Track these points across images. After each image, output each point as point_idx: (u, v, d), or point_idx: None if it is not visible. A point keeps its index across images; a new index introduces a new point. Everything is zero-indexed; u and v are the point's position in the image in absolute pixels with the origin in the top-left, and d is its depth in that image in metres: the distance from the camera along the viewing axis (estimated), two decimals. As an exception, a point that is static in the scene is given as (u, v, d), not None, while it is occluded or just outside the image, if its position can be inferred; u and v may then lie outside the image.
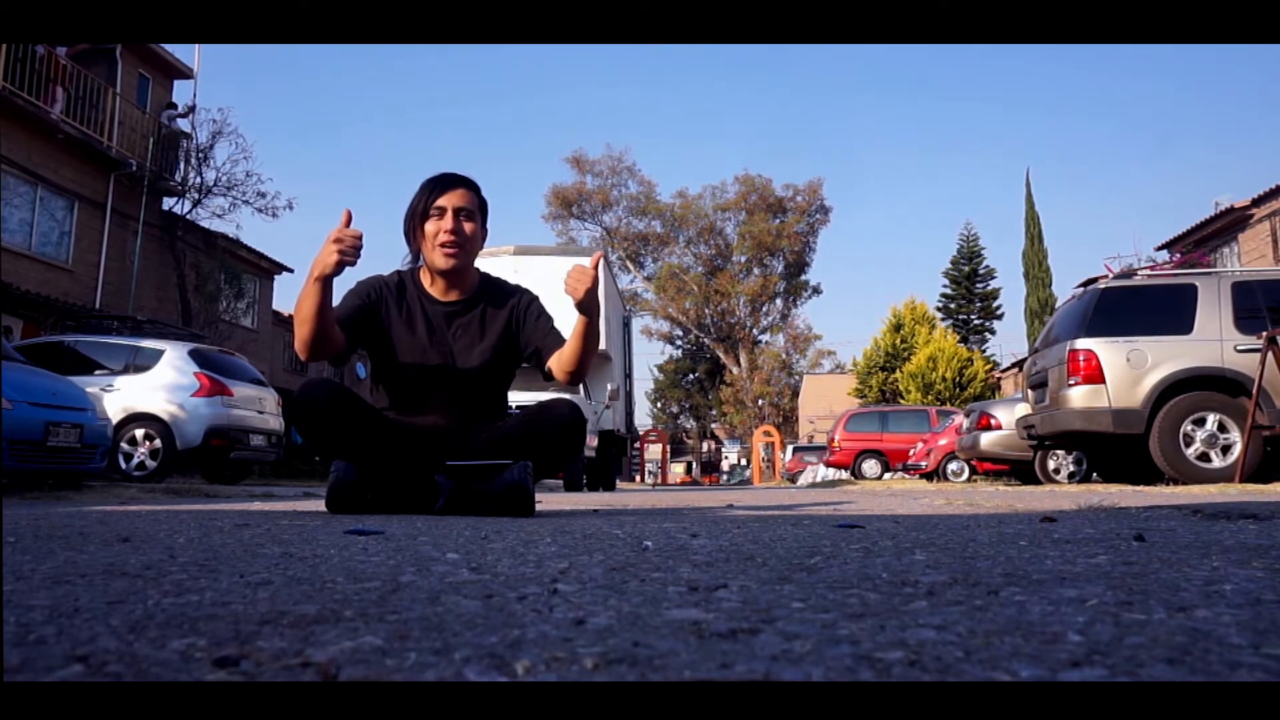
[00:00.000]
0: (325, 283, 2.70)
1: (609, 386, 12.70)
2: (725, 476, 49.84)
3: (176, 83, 18.34)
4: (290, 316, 24.22)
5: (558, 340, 3.06)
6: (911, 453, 16.92)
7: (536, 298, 3.21)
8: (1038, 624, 0.80)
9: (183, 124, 17.27)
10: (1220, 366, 7.28)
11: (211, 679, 0.61)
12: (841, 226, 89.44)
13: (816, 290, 49.11)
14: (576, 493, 9.52)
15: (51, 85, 14.39)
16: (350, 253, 2.66)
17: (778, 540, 1.76)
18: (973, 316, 37.11)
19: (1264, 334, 6.80)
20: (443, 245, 2.95)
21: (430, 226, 2.97)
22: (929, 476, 15.45)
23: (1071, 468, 10.34)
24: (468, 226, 2.99)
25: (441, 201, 2.95)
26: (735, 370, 47.76)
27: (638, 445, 32.16)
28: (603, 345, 12.68)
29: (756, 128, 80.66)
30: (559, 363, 2.99)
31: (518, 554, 1.47)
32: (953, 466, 14.97)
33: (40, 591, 1.01)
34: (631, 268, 48.56)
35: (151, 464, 9.43)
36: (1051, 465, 10.43)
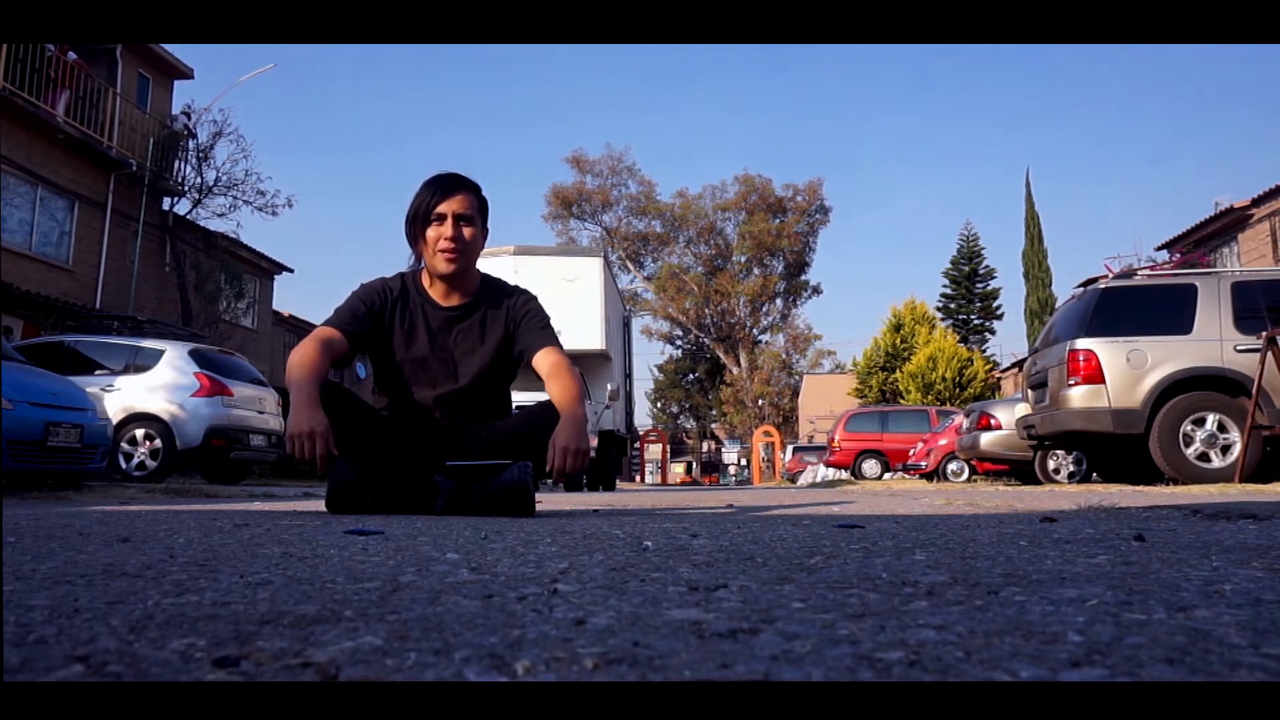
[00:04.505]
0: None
1: (609, 386, 12.70)
2: (731, 479, 49.66)
3: (177, 83, 18.34)
4: (290, 316, 24.20)
5: (544, 340, 3.06)
6: (911, 453, 16.92)
7: (534, 298, 3.20)
8: (1038, 624, 0.80)
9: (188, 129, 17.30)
10: (1220, 366, 7.28)
11: (211, 679, 0.61)
12: (841, 226, 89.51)
13: (816, 290, 49.14)
14: (576, 493, 9.52)
15: (55, 86, 14.39)
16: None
17: (778, 540, 1.76)
18: (973, 316, 37.10)
19: (1264, 334, 6.80)
20: (442, 252, 2.96)
21: (431, 232, 2.97)
22: (929, 476, 15.45)
23: (1071, 468, 10.34)
24: (467, 232, 2.99)
25: (441, 208, 2.96)
26: (735, 370, 47.76)
27: (638, 445, 32.15)
28: (603, 345, 12.76)
29: (756, 128, 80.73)
30: (543, 378, 3.00)
31: (518, 554, 1.47)
32: (953, 466, 14.96)
33: (40, 591, 1.01)
34: (631, 268, 48.56)
35: (151, 464, 9.43)
36: (1051, 465, 10.43)
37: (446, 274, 3.00)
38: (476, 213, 3.03)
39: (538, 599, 0.96)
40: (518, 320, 3.11)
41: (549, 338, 3.07)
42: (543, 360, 3.01)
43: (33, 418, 6.08)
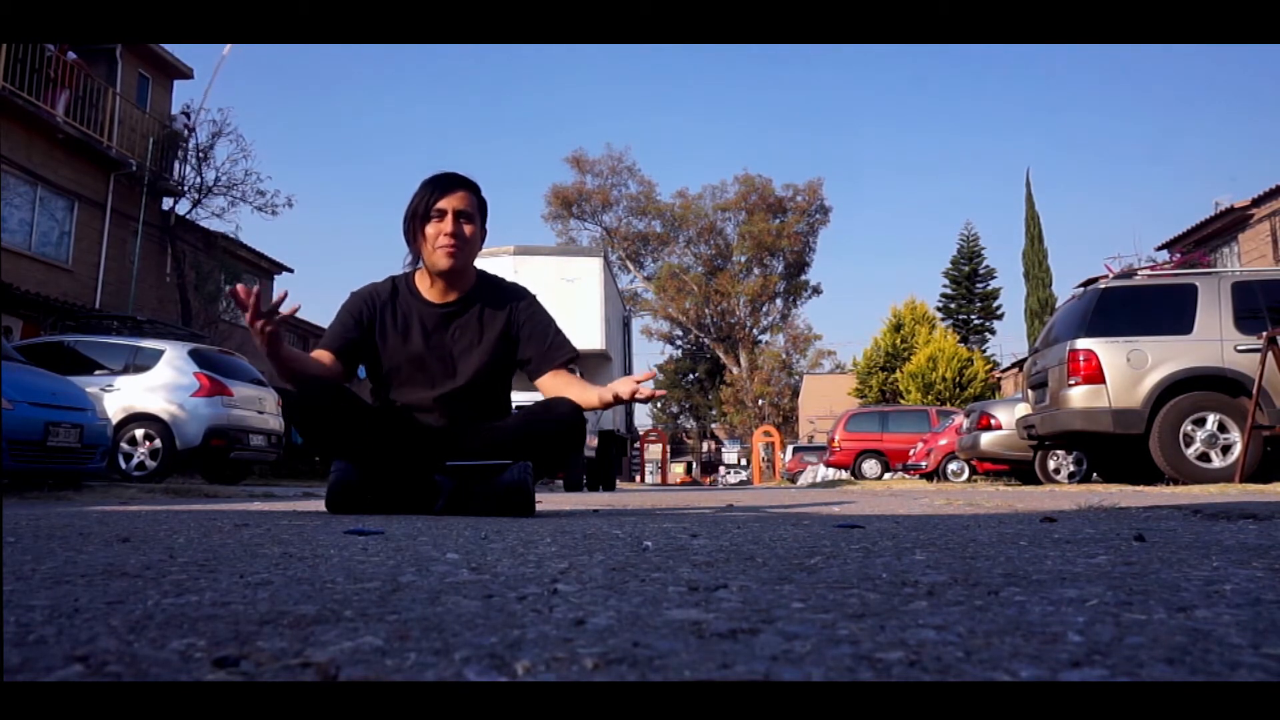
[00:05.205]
0: (273, 354, 2.73)
1: (609, 386, 12.68)
2: (725, 479, 49.33)
3: (177, 83, 18.34)
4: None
5: (556, 354, 3.07)
6: (911, 453, 16.92)
7: (535, 300, 3.19)
8: (1038, 624, 0.80)
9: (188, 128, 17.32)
10: (1220, 366, 7.28)
11: (211, 679, 0.61)
12: (841, 226, 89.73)
13: (816, 290, 49.17)
14: (576, 493, 9.52)
15: (55, 86, 14.39)
16: (271, 334, 2.64)
17: (778, 540, 1.76)
18: (973, 316, 37.10)
19: (1264, 334, 6.80)
20: (442, 248, 2.96)
21: (430, 229, 2.97)
22: (929, 476, 15.45)
23: (1071, 468, 10.34)
24: (467, 229, 2.99)
25: (441, 204, 2.95)
26: (735, 370, 47.77)
27: (638, 445, 32.12)
28: (603, 345, 12.76)
29: (756, 128, 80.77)
30: (552, 392, 3.03)
31: (518, 554, 1.47)
32: (953, 466, 14.96)
33: (40, 591, 1.01)
34: (631, 268, 48.57)
35: (151, 464, 9.43)
36: (1051, 465, 10.43)
37: (445, 270, 2.99)
38: (476, 210, 3.03)
39: (538, 599, 0.96)
40: (520, 323, 3.09)
41: (561, 352, 3.08)
42: (552, 382, 3.05)
43: (33, 418, 6.09)
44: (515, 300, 3.14)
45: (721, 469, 52.46)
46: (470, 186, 3.02)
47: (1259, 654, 0.67)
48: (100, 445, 6.80)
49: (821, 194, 47.78)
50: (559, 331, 3.14)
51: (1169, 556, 1.38)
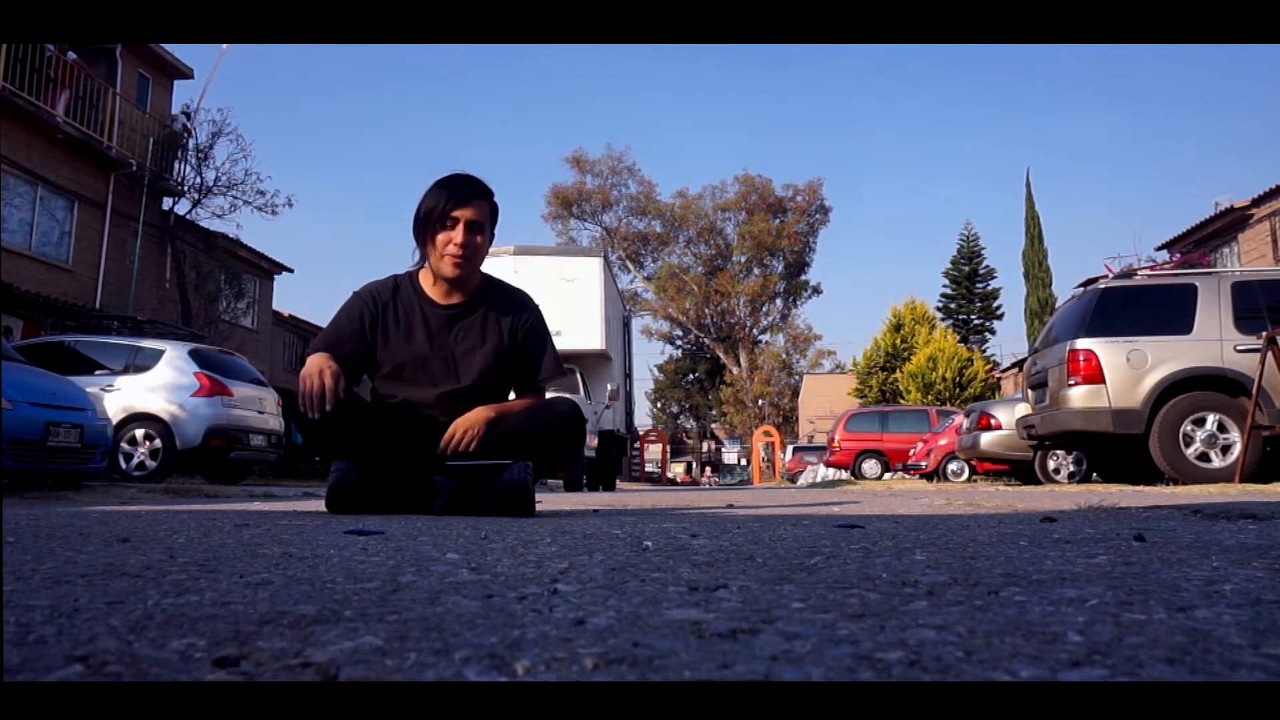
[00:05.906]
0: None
1: (609, 387, 12.69)
2: (719, 478, 49.08)
3: (177, 83, 18.34)
4: (290, 316, 24.19)
5: (530, 376, 3.14)
6: (911, 453, 16.92)
7: (539, 316, 3.21)
8: (1038, 624, 0.80)
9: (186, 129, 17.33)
10: (1220, 366, 7.28)
11: (211, 679, 0.61)
12: (841, 226, 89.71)
13: (816, 290, 49.16)
14: (576, 493, 9.52)
15: (55, 86, 14.39)
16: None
17: (778, 540, 1.76)
18: (973, 316, 37.12)
19: (1264, 334, 6.80)
20: (450, 257, 2.95)
21: (441, 236, 2.95)
22: (929, 476, 15.45)
23: (1071, 468, 10.34)
24: (477, 239, 2.98)
25: (456, 213, 2.94)
26: (735, 370, 47.77)
27: (638, 445, 32.11)
28: (603, 345, 12.77)
29: (756, 128, 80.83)
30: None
31: (518, 554, 1.47)
32: (953, 466, 14.96)
33: (40, 591, 1.01)
34: (631, 268, 48.56)
35: (151, 464, 9.43)
36: (1051, 465, 10.43)
37: (452, 278, 3.00)
38: (488, 219, 3.02)
39: (538, 599, 0.96)
40: (519, 342, 3.10)
41: (535, 380, 3.15)
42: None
43: (33, 418, 6.08)
44: (519, 311, 3.14)
45: (708, 470, 52.21)
46: (485, 195, 3.01)
47: (1259, 654, 0.67)
48: (100, 445, 6.80)
49: (821, 194, 47.82)
50: (545, 356, 3.16)
51: (1169, 556, 1.38)
